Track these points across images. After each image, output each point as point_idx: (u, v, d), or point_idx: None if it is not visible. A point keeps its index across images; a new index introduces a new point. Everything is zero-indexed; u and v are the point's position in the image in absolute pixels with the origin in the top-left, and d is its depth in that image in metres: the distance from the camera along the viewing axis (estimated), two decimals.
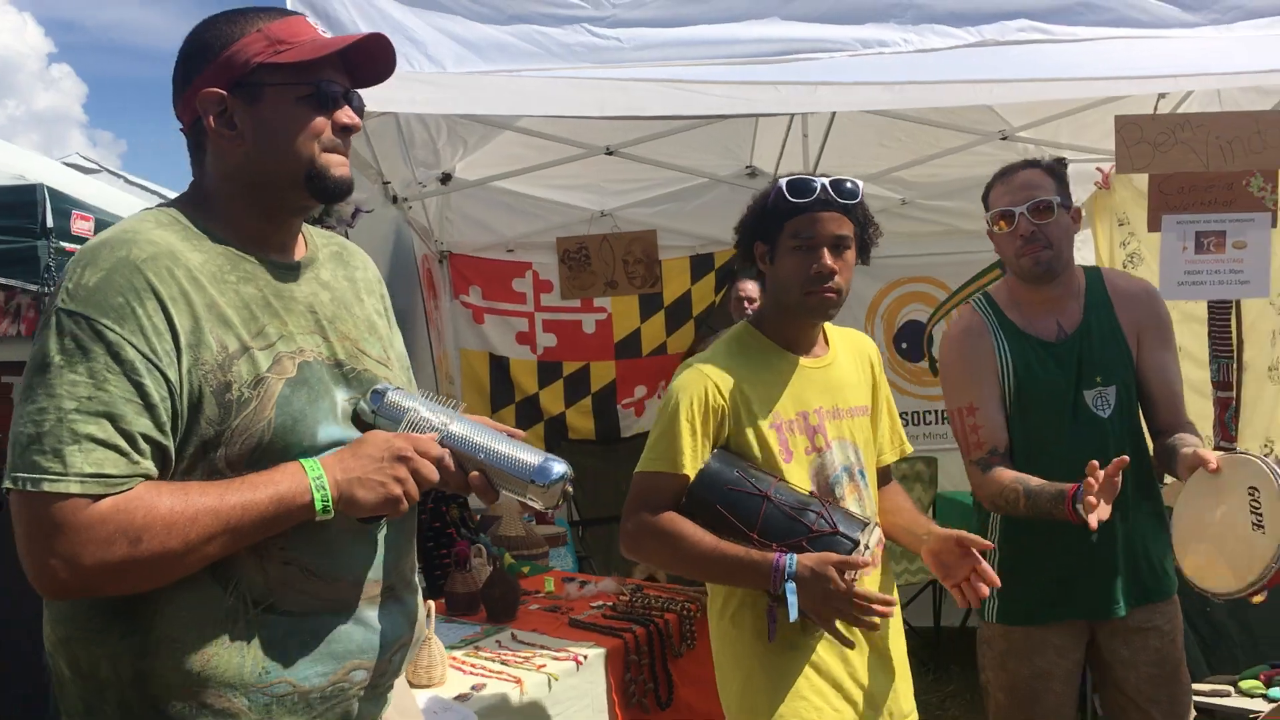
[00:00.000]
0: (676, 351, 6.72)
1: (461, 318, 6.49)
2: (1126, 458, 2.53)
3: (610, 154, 5.48)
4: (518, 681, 2.85)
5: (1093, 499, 2.48)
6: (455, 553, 3.62)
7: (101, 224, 4.87)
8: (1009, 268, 3.02)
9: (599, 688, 3.06)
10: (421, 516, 4.08)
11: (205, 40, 1.77)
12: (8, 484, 1.56)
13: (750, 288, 6.90)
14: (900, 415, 2.82)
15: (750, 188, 6.36)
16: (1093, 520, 2.47)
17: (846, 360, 2.62)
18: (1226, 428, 5.14)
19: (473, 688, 2.80)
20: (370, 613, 1.79)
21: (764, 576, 2.30)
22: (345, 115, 1.79)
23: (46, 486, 1.52)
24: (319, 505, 1.65)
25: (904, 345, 6.74)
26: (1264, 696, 3.64)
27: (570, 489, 1.81)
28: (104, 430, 1.54)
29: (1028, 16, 3.62)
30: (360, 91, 1.85)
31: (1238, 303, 4.96)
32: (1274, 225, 3.80)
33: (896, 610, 2.47)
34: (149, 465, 1.58)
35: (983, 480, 2.90)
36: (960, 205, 6.44)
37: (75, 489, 1.52)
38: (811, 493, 2.42)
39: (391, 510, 1.72)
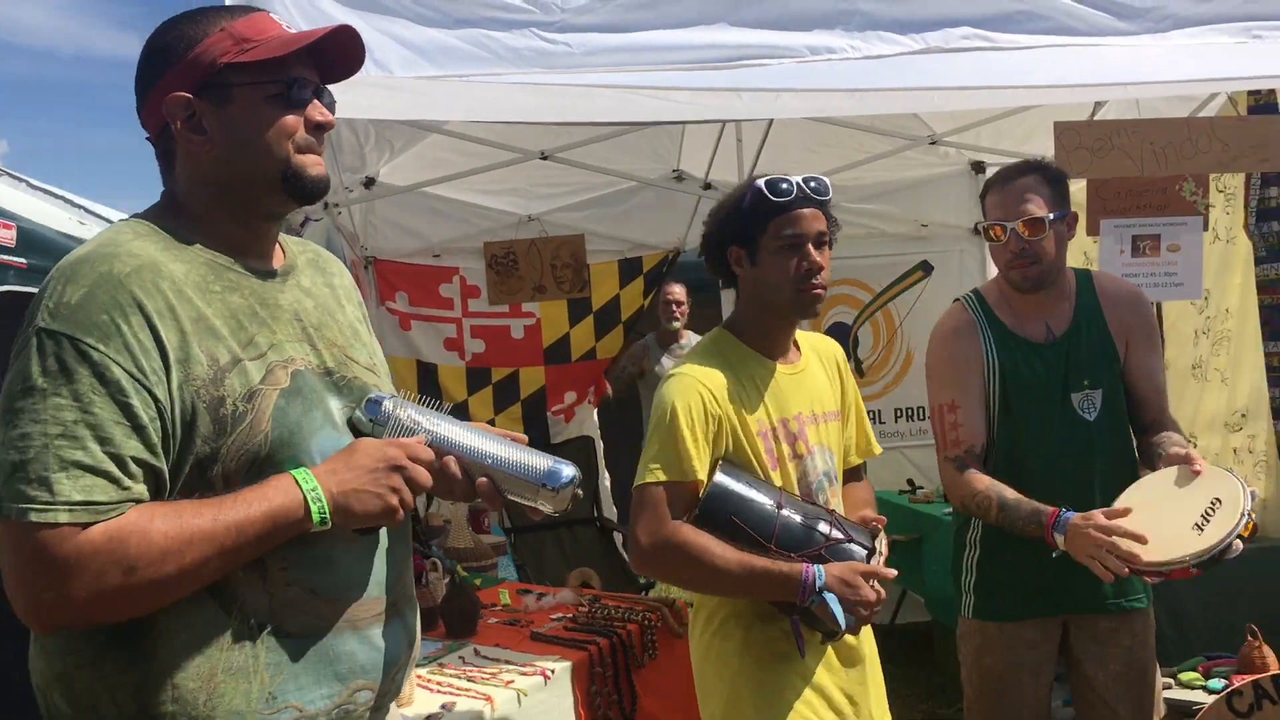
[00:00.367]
0: (606, 356, 6.70)
1: (388, 324, 6.38)
2: None
3: (545, 158, 5.44)
4: (488, 699, 2.81)
5: None
6: None
7: None
8: (999, 273, 3.05)
9: (566, 701, 3.02)
10: None
11: (166, 43, 1.70)
12: None
13: (677, 291, 6.93)
14: None
15: (679, 191, 6.39)
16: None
17: (817, 365, 2.63)
18: None
19: (443, 706, 2.74)
20: (374, 631, 1.74)
21: (793, 589, 2.29)
22: (318, 112, 1.74)
23: (34, 516, 1.45)
24: (316, 517, 1.60)
25: None
26: (1204, 688, 3.74)
27: (580, 492, 1.79)
28: (92, 455, 1.47)
29: (970, 24, 3.66)
30: None
31: (1159, 304, 5.11)
32: (1205, 229, 3.91)
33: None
34: (140, 489, 1.51)
35: (956, 480, 2.93)
36: (883, 208, 6.54)
37: (64, 518, 1.45)
38: (812, 501, 2.43)
39: (388, 521, 1.69)
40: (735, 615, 2.44)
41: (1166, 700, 3.77)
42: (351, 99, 3.17)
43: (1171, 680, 3.84)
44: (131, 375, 1.51)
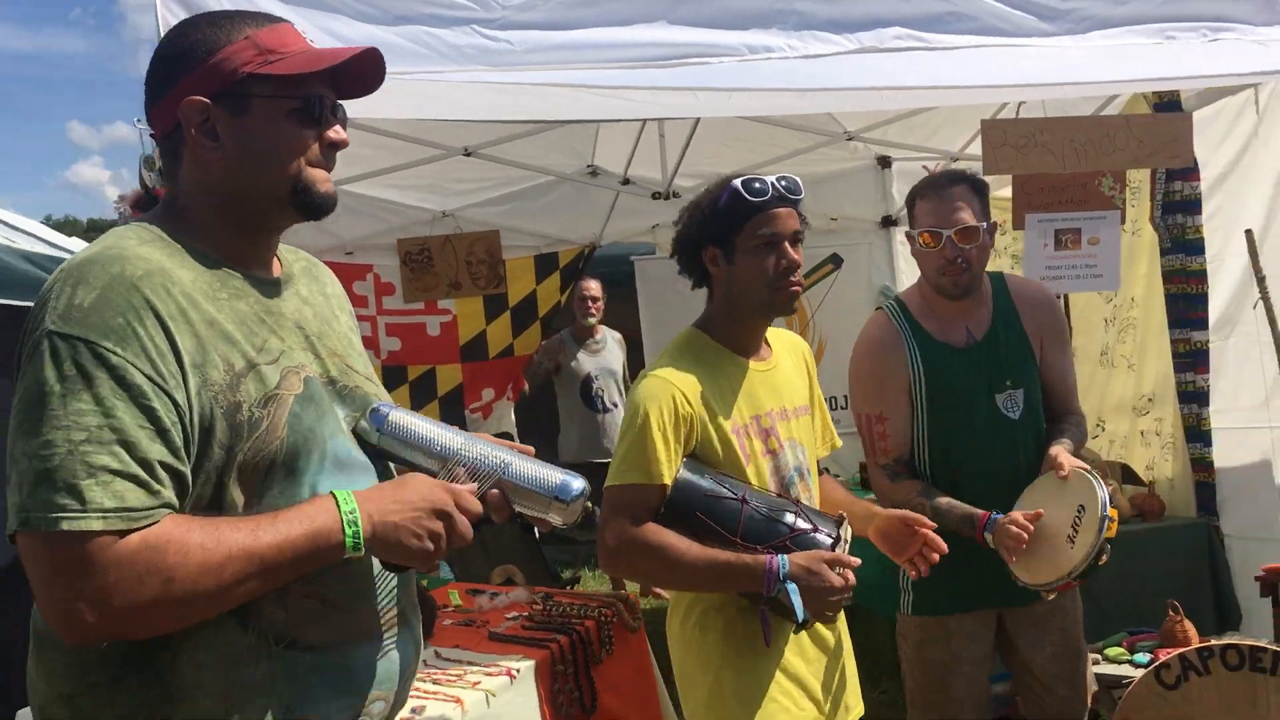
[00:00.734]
0: (524, 353, 6.68)
1: None
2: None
3: (469, 155, 5.39)
4: (458, 701, 2.79)
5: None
6: None
7: None
8: (928, 279, 3.12)
9: (532, 700, 3.02)
10: None
11: (189, 44, 1.66)
12: (14, 525, 1.43)
13: (593, 286, 6.94)
14: None
15: (595, 186, 6.40)
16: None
17: (787, 361, 2.67)
18: None
19: (413, 710, 2.72)
20: (388, 641, 1.72)
21: (757, 580, 2.32)
22: (334, 132, 1.72)
23: (65, 525, 1.39)
24: (349, 543, 1.56)
25: None
26: (1130, 662, 3.91)
27: (590, 504, 1.79)
28: (120, 460, 1.43)
29: (902, 24, 3.76)
30: None
31: (1066, 294, 5.31)
32: (1122, 223, 4.08)
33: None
34: (170, 494, 1.47)
35: (889, 487, 3.07)
36: None
37: (98, 525, 1.40)
38: (777, 494, 2.47)
39: (421, 566, 1.66)
40: (714, 607, 2.47)
41: (1096, 675, 3.94)
42: None
43: (1099, 656, 4.00)
44: (151, 379, 1.47)
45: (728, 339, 2.56)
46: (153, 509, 1.44)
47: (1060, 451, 2.92)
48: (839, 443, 2.84)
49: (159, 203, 1.75)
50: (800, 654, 2.48)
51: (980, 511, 2.86)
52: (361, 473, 1.71)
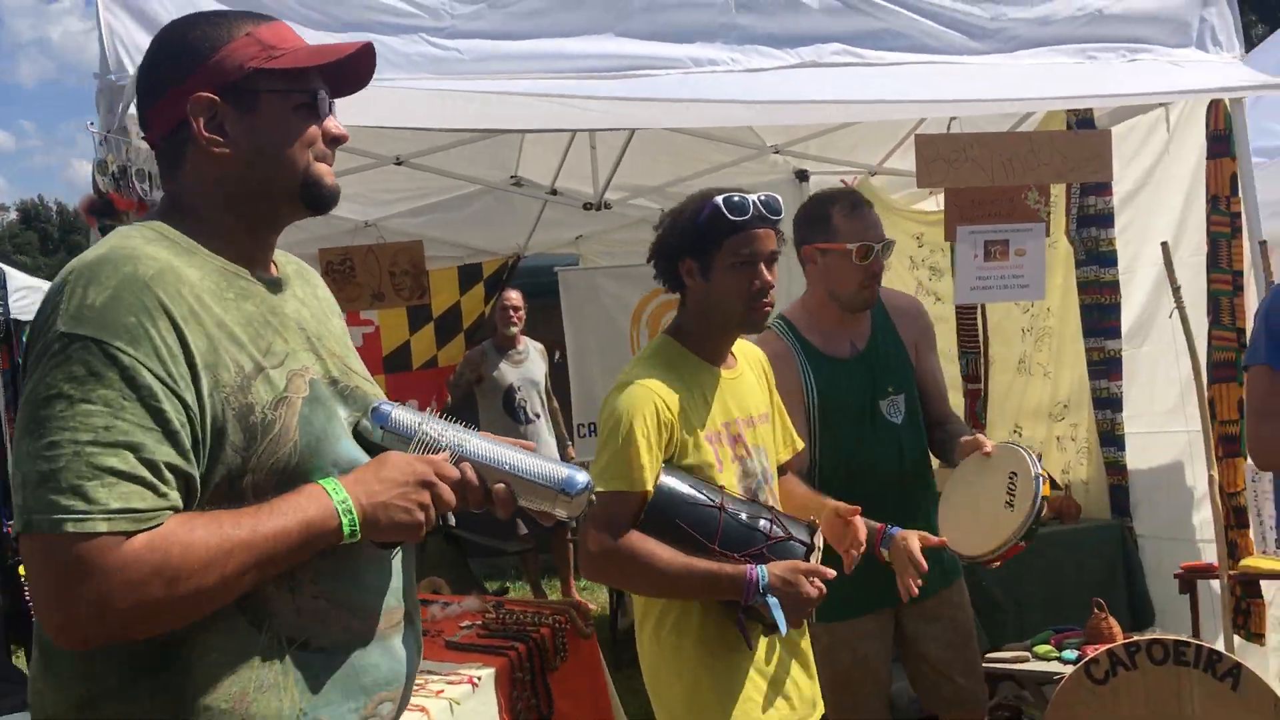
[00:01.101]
0: (448, 364, 6.66)
1: None
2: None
3: (400, 164, 5.36)
4: (423, 710, 2.78)
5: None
6: None
7: None
8: (839, 294, 3.16)
9: (493, 708, 3.02)
10: None
11: (190, 42, 1.65)
12: (18, 527, 1.41)
13: (514, 297, 6.93)
14: None
15: (520, 196, 6.41)
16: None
17: (749, 370, 2.73)
18: (977, 417, 5.67)
19: None
20: (394, 641, 1.73)
21: (738, 590, 2.38)
22: (335, 126, 1.72)
23: (70, 527, 1.37)
24: (347, 529, 1.57)
25: None
26: (1058, 659, 4.05)
27: (594, 498, 1.81)
28: (126, 462, 1.41)
29: (840, 40, 3.88)
30: None
31: (983, 305, 5.48)
32: (1047, 235, 4.23)
33: None
34: (176, 496, 1.46)
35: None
36: None
37: (103, 527, 1.38)
38: (749, 500, 2.52)
39: (412, 537, 1.67)
40: (687, 613, 2.51)
41: (1027, 672, 4.08)
42: None
43: (1029, 653, 4.14)
44: (161, 380, 1.46)
45: (699, 348, 2.60)
46: (158, 510, 1.43)
47: (976, 435, 3.05)
48: (800, 444, 2.90)
49: (160, 203, 1.73)
50: (770, 656, 2.53)
51: (876, 524, 2.89)
52: None
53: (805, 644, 2.69)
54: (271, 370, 1.59)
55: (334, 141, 1.72)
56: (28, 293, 7.10)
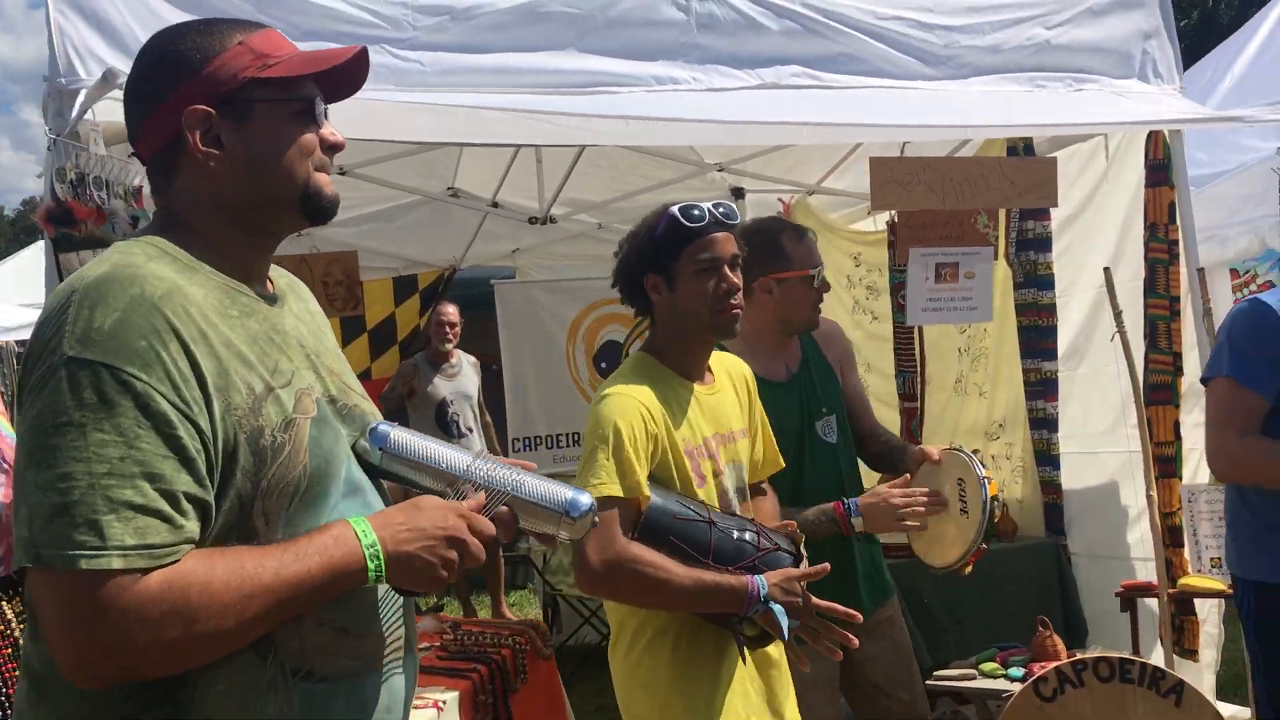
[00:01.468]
0: (382, 376, 6.55)
1: None
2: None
3: (344, 174, 5.27)
4: None
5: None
6: None
7: None
8: (792, 319, 3.18)
9: None
10: None
11: (180, 52, 1.59)
12: (27, 563, 1.34)
13: (450, 312, 6.85)
14: None
15: (458, 206, 6.34)
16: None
17: (727, 386, 2.73)
18: (913, 435, 5.73)
19: None
20: (395, 667, 1.69)
21: (739, 601, 2.37)
22: (331, 134, 1.69)
23: (84, 564, 1.32)
24: (372, 575, 1.52)
25: (603, 364, 6.88)
26: (1005, 676, 4.11)
27: (597, 519, 1.79)
28: (143, 494, 1.36)
29: (799, 63, 3.92)
30: None
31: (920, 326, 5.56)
32: (995, 258, 4.31)
33: None
34: (193, 528, 1.41)
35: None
36: None
37: (118, 564, 1.33)
38: (733, 514, 2.52)
39: (432, 589, 1.63)
40: (660, 632, 2.49)
41: (974, 689, 4.14)
42: None
43: (975, 670, 4.19)
44: (175, 406, 1.40)
45: (674, 363, 2.60)
46: (176, 545, 1.38)
47: (921, 446, 3.13)
48: (782, 463, 2.90)
49: (154, 218, 1.68)
50: (747, 670, 2.53)
51: (832, 503, 2.95)
52: (372, 495, 1.68)
53: (782, 656, 2.68)
54: (280, 390, 1.54)
55: (331, 149, 1.68)
56: None
